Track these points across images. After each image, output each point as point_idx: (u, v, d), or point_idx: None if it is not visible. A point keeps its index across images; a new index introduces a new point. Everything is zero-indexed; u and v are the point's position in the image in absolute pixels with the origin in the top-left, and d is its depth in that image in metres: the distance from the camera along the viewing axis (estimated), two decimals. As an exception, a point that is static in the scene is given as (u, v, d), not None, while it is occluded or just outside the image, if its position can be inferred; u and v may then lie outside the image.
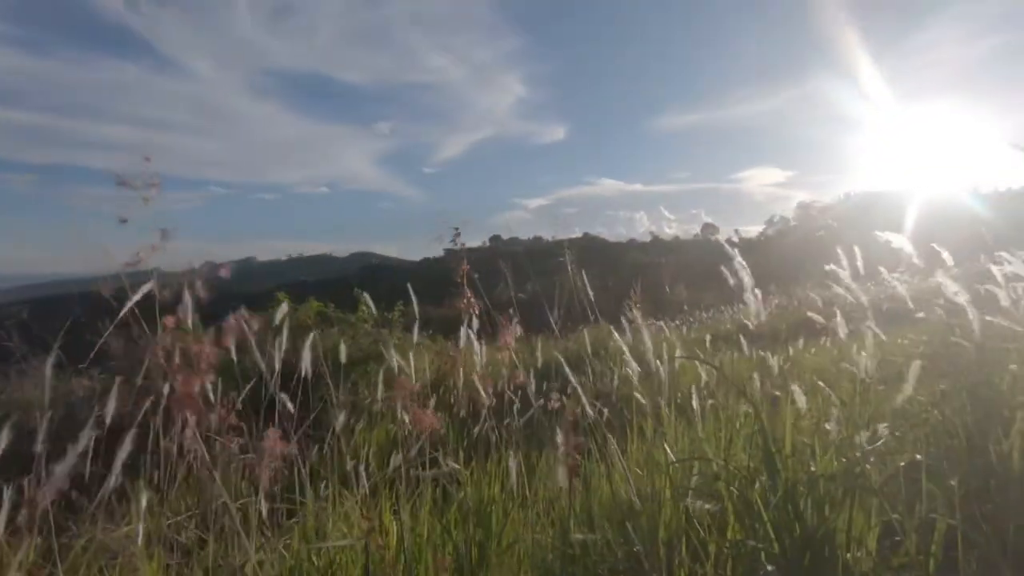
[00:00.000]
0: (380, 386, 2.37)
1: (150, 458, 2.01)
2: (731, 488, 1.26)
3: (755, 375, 2.02)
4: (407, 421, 1.68)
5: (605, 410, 1.71)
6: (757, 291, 1.41)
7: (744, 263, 1.37)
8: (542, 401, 2.08)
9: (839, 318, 1.55)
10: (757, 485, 1.22)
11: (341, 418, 1.86)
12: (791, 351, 3.81)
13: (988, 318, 1.63)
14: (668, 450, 1.49)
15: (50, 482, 1.12)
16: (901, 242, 1.96)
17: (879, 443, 1.26)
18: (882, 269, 2.05)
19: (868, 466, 1.16)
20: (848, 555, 1.07)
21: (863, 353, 1.32)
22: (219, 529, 1.80)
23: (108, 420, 1.62)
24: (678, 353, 3.56)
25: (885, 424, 1.32)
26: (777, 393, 1.83)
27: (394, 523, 1.65)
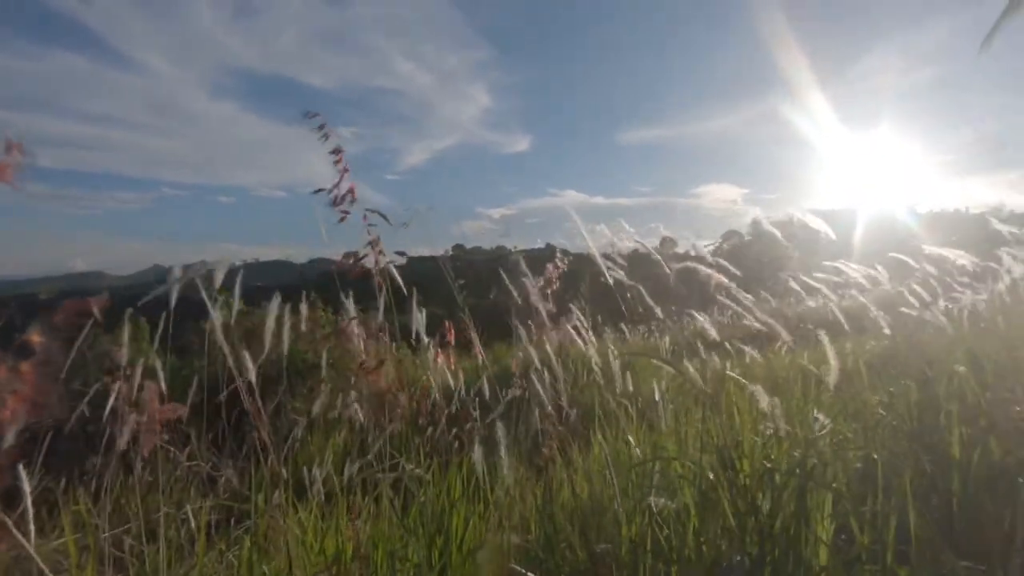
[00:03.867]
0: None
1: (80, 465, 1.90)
2: (692, 485, 1.28)
3: (707, 377, 2.08)
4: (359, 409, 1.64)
5: (573, 411, 1.71)
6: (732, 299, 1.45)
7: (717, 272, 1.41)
8: (500, 407, 2.07)
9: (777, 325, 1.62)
10: (712, 477, 1.24)
11: (302, 423, 1.80)
12: (747, 358, 3.93)
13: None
14: (630, 449, 1.50)
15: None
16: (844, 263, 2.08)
17: (824, 434, 1.30)
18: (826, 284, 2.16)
19: (822, 462, 1.20)
20: (806, 549, 1.09)
21: (828, 355, 1.37)
22: (158, 540, 1.71)
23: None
24: (629, 358, 3.61)
25: (828, 419, 1.36)
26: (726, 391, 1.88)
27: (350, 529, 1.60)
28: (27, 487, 1.23)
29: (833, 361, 1.37)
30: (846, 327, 1.94)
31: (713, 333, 1.83)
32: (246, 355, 1.51)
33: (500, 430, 1.33)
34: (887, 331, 1.92)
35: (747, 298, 1.64)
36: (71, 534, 1.52)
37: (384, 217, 1.72)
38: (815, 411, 1.63)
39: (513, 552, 1.47)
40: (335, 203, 1.66)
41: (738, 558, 1.06)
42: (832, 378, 1.42)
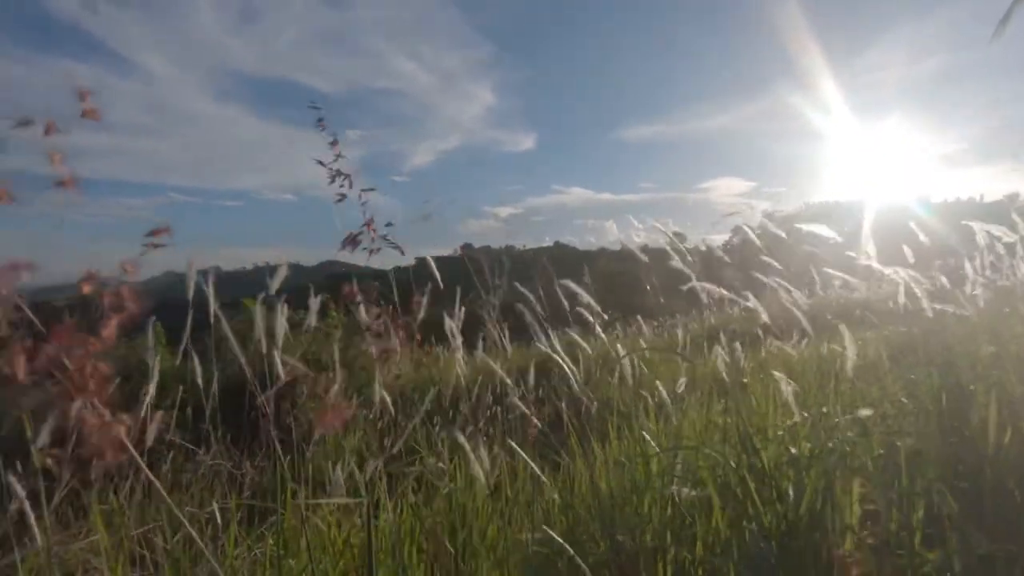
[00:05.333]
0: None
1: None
2: (715, 473, 1.28)
3: (728, 367, 2.08)
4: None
5: (595, 404, 1.72)
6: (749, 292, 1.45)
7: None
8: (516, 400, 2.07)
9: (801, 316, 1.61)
10: (735, 466, 1.23)
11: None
12: (763, 351, 3.92)
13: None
14: (650, 439, 1.50)
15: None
16: (863, 251, 2.06)
17: (852, 421, 1.30)
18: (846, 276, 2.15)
19: (848, 447, 1.20)
20: (832, 534, 1.09)
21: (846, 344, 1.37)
22: (182, 538, 1.73)
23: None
24: (649, 353, 3.61)
25: (868, 409, 1.36)
26: (745, 380, 1.87)
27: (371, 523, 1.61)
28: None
29: (851, 349, 1.37)
30: (871, 317, 1.93)
31: (764, 317, 1.81)
32: (277, 356, 1.53)
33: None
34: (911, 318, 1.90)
35: (780, 285, 1.63)
36: (97, 532, 1.55)
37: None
38: (833, 399, 1.63)
39: (534, 544, 1.48)
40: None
41: (762, 545, 1.06)
42: (849, 366, 1.41)
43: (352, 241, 1.69)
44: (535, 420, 1.81)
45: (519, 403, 1.90)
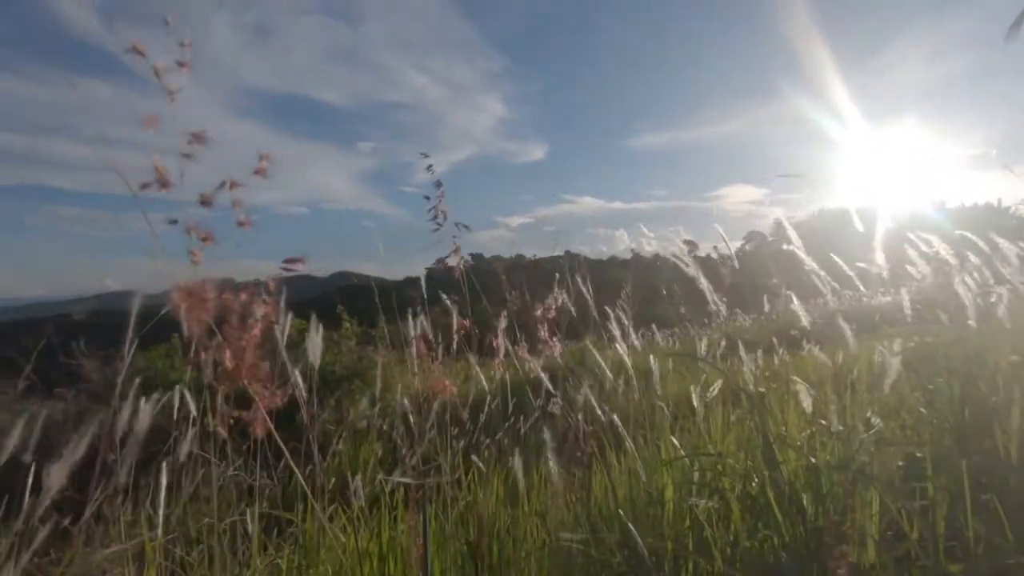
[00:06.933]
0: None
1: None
2: (733, 484, 1.27)
3: (749, 376, 2.07)
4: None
5: (614, 415, 1.72)
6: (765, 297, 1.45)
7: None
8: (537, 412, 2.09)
9: (844, 324, 1.60)
10: (756, 479, 1.23)
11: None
12: (776, 359, 3.88)
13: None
14: (670, 447, 1.50)
15: (43, 498, 1.08)
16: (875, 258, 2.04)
17: (873, 433, 1.29)
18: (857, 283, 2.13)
19: (866, 458, 1.19)
20: (854, 546, 1.08)
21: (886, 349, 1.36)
22: (204, 549, 1.76)
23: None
24: (671, 362, 3.59)
25: (877, 418, 1.35)
26: (770, 387, 1.86)
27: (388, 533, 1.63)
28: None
29: (895, 360, 1.36)
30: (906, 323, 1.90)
31: (804, 321, 1.80)
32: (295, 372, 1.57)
33: (546, 435, 1.35)
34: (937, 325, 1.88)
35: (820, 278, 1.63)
36: (123, 542, 1.58)
37: (467, 227, 2.08)
38: (847, 409, 1.62)
39: (553, 554, 1.48)
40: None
41: (785, 558, 1.06)
42: (892, 376, 1.40)
43: (442, 262, 2.07)
44: (582, 436, 1.82)
45: (558, 411, 1.92)
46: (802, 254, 1.58)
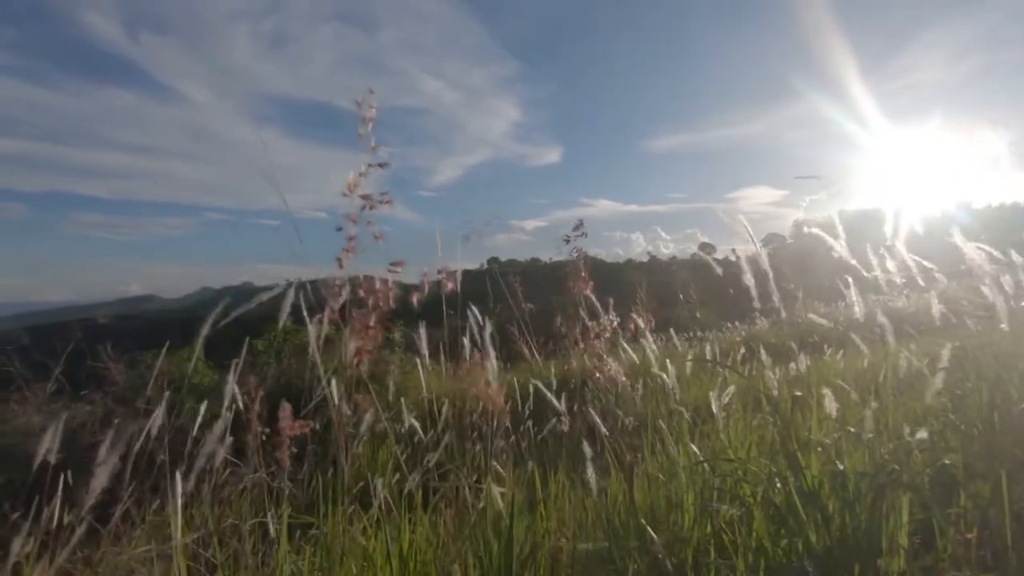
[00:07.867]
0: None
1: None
2: (755, 489, 1.26)
3: (774, 381, 2.04)
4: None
5: (630, 420, 1.71)
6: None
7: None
8: (559, 416, 2.08)
9: (887, 325, 1.58)
10: (779, 485, 1.21)
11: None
12: (799, 365, 3.83)
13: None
14: (691, 453, 1.48)
15: (85, 500, 1.11)
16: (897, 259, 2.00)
17: (917, 441, 1.26)
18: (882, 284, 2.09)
19: (897, 466, 1.17)
20: (882, 555, 1.07)
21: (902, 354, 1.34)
22: (228, 550, 1.78)
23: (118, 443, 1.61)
24: (691, 364, 3.56)
25: (923, 428, 1.32)
26: (798, 393, 1.83)
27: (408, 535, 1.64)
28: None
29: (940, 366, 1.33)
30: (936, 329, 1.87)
31: (860, 315, 1.77)
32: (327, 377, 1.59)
33: (585, 447, 1.35)
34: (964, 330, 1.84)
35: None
36: (149, 544, 1.61)
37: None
38: (875, 415, 1.59)
39: (572, 559, 1.47)
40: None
41: (807, 566, 1.04)
42: (938, 379, 1.38)
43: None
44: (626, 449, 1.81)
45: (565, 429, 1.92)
46: (845, 252, 1.54)
